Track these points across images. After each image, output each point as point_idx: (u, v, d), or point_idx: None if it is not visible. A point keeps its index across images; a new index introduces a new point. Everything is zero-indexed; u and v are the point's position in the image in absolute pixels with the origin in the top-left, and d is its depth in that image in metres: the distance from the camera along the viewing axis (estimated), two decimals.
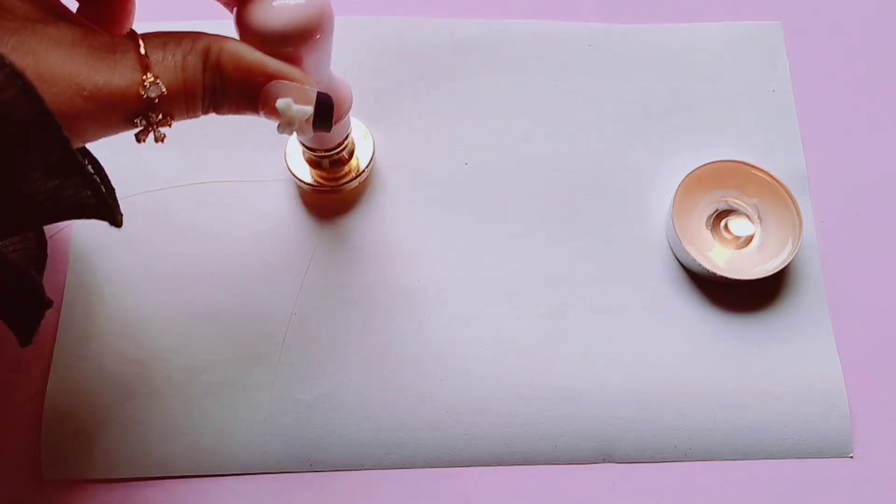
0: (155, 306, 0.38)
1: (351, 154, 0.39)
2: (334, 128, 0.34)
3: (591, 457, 0.36)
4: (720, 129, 0.41)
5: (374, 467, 0.36)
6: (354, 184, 0.39)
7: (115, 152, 0.40)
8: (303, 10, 0.27)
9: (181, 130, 0.40)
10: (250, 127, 0.40)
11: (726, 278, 0.37)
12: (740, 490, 0.36)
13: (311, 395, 0.36)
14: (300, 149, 0.39)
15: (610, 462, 0.36)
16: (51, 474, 0.35)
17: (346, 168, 0.39)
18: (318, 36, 0.28)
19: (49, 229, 0.39)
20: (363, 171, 0.39)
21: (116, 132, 0.26)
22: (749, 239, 0.39)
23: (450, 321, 0.38)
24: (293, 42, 0.27)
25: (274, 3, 0.27)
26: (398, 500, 0.36)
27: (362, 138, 0.40)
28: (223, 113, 0.28)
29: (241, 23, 0.28)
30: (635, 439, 0.36)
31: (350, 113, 0.35)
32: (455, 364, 0.37)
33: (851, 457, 0.37)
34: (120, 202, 0.39)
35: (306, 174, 0.39)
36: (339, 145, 0.37)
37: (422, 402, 0.36)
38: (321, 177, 0.39)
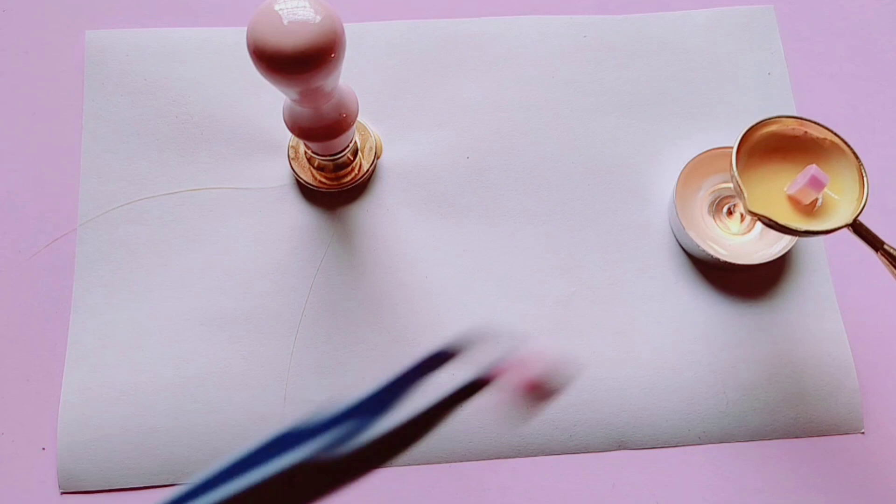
0: (164, 314, 0.38)
1: (354, 154, 0.39)
2: (341, 137, 0.34)
3: (606, 444, 0.36)
4: (718, 115, 0.42)
5: (391, 464, 0.36)
6: (358, 183, 0.39)
7: (117, 158, 0.40)
8: (318, 31, 0.27)
9: (182, 136, 0.40)
10: (252, 132, 0.40)
11: (731, 263, 0.37)
12: (755, 470, 0.36)
13: (325, 395, 0.37)
14: (303, 151, 0.39)
15: (625, 449, 0.37)
16: (68, 487, 0.35)
17: (350, 168, 0.39)
18: (332, 55, 0.28)
19: (51, 235, 0.39)
20: (367, 170, 0.39)
21: None
22: (752, 221, 0.39)
23: (459, 316, 0.38)
24: (310, 64, 0.27)
25: (286, 24, 0.27)
26: (416, 496, 0.36)
27: (365, 137, 0.40)
28: None
29: (255, 48, 0.27)
30: (649, 425, 0.37)
31: None
32: (466, 359, 0.37)
33: (863, 432, 0.37)
34: (123, 208, 0.39)
35: (310, 176, 0.39)
36: (344, 148, 0.37)
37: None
38: (325, 178, 0.39)
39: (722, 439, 0.37)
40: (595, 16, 0.43)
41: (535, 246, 0.39)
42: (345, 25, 0.29)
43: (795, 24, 0.44)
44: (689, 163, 0.39)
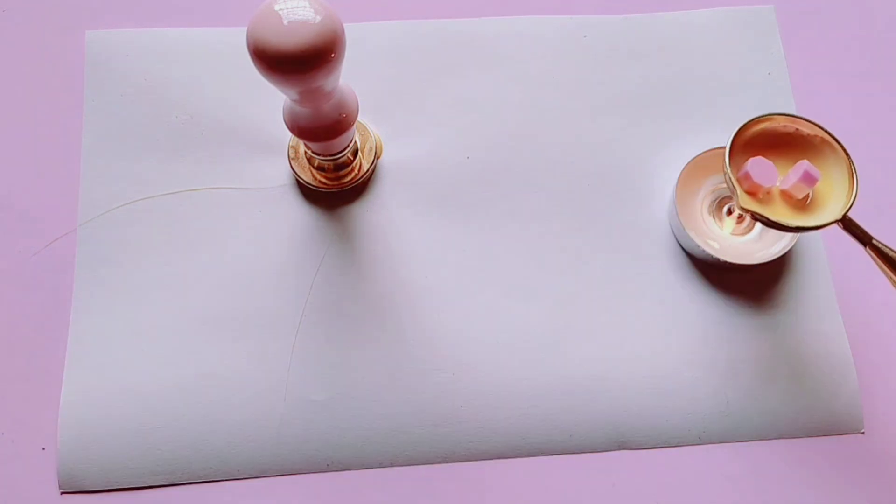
0: (164, 314, 0.38)
1: (354, 154, 0.39)
2: (341, 137, 0.34)
3: (606, 444, 0.36)
4: (718, 115, 0.42)
5: (391, 465, 0.36)
6: (358, 183, 0.39)
7: (117, 158, 0.40)
8: (318, 31, 0.27)
9: (182, 136, 0.40)
10: (252, 132, 0.40)
11: (731, 263, 0.37)
12: (756, 470, 0.36)
13: (325, 395, 0.37)
14: (303, 151, 0.39)
15: (625, 449, 0.37)
16: (68, 487, 0.35)
17: (350, 168, 0.39)
18: (332, 55, 0.28)
19: (51, 235, 0.39)
20: (367, 170, 0.39)
21: None
22: (751, 221, 0.39)
23: (459, 316, 0.38)
24: (310, 64, 0.27)
25: (286, 24, 0.27)
26: (416, 497, 0.36)
27: (365, 137, 0.40)
28: None
29: (255, 48, 0.27)
30: (649, 425, 0.37)
31: None
32: (467, 359, 0.37)
33: (863, 432, 0.37)
34: (123, 208, 0.39)
35: (310, 176, 0.39)
36: (344, 148, 0.37)
37: (435, 398, 0.37)
38: (325, 178, 0.39)
39: (722, 439, 0.37)
40: (595, 16, 0.43)
41: (536, 246, 0.39)
42: (345, 25, 0.29)
43: (795, 24, 0.44)
44: (688, 163, 0.39)
